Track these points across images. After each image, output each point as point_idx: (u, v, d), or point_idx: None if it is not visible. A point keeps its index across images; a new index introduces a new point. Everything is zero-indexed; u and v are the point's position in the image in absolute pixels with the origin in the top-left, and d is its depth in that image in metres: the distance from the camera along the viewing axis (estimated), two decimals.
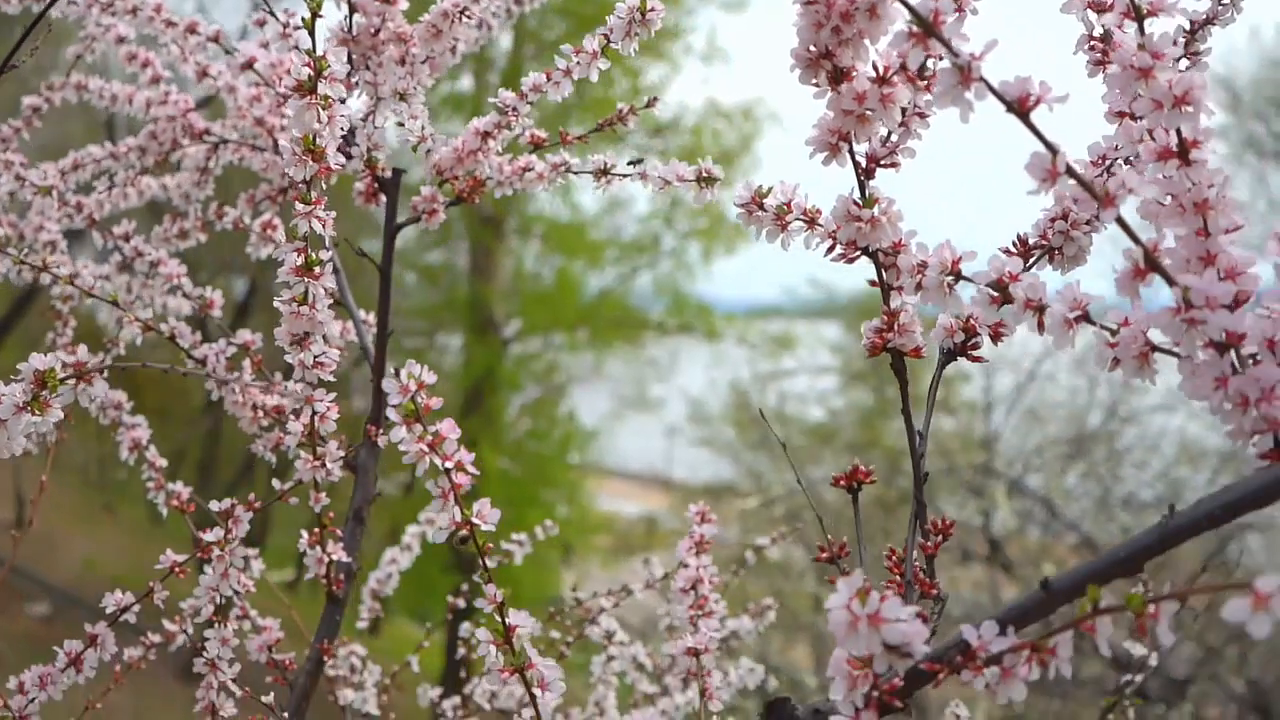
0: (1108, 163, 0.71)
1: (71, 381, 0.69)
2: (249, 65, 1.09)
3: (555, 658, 1.39)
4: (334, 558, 1.01)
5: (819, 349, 10.11)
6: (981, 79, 0.52)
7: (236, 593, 1.02)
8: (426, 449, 0.65)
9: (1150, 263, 0.54)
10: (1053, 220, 0.71)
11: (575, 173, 1.02)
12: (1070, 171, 0.53)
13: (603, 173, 1.00)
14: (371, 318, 1.18)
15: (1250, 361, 0.55)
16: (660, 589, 1.53)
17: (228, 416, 1.16)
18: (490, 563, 1.48)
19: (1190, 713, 5.52)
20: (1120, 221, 0.54)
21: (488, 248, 11.30)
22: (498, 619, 0.68)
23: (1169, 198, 0.57)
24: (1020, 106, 0.53)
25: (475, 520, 0.66)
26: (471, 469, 0.66)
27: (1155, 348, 0.57)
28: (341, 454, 0.94)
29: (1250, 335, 0.55)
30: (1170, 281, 0.54)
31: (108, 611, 0.95)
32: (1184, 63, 0.75)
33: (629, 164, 0.98)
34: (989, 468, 6.00)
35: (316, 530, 1.00)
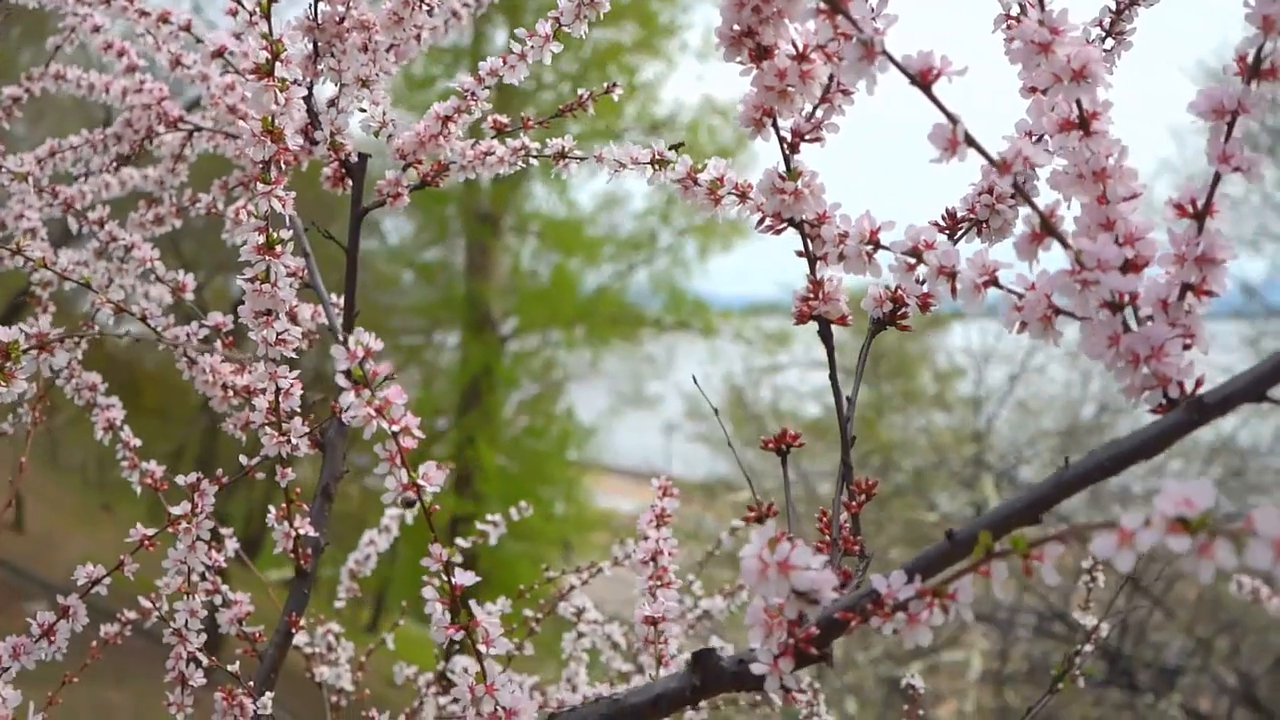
0: (1032, 138, 0.73)
1: (34, 352, 0.72)
2: (219, 54, 1.12)
3: (525, 634, 1.42)
4: (301, 532, 1.04)
5: (815, 345, 10.12)
6: (884, 53, 0.55)
7: (208, 566, 1.05)
8: (374, 413, 0.68)
9: (1047, 227, 0.57)
10: (979, 194, 0.74)
11: (535, 156, 1.05)
12: (970, 141, 0.56)
13: (560, 156, 1.03)
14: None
15: (1148, 322, 0.58)
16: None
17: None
18: (464, 542, 1.50)
19: (1179, 703, 5.55)
20: (1018, 188, 0.57)
21: (484, 245, 11.34)
22: (444, 578, 0.71)
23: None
24: (922, 79, 0.56)
25: (421, 482, 0.69)
26: (418, 433, 0.69)
27: (1058, 310, 0.60)
28: (306, 430, 0.97)
29: (1145, 296, 0.58)
30: (1065, 245, 0.57)
31: (79, 584, 0.97)
32: (1109, 42, 0.78)
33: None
34: (980, 460, 6.03)
35: (284, 505, 1.03)
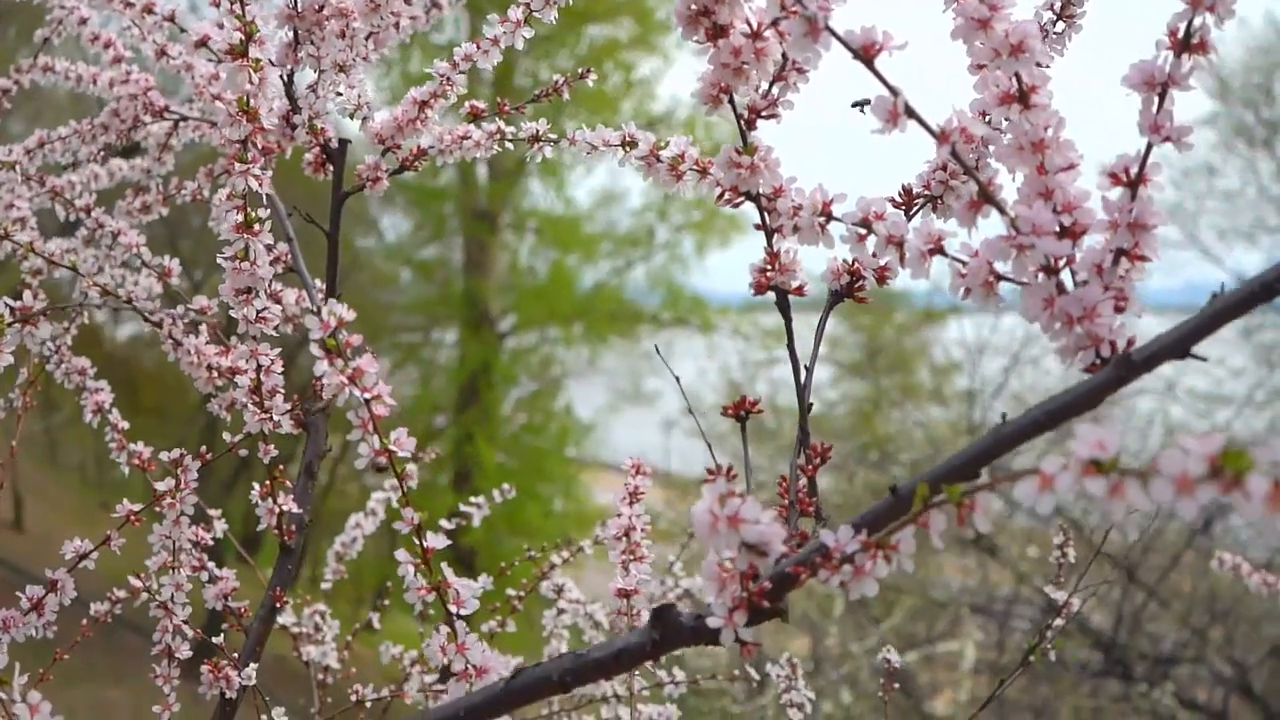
0: (984, 117, 0.76)
1: (18, 325, 0.75)
2: (203, 43, 1.14)
3: (508, 612, 1.44)
4: (285, 509, 1.06)
5: (812, 340, 10.16)
6: (828, 29, 0.57)
7: (194, 543, 1.07)
8: (347, 381, 0.70)
9: (984, 195, 0.59)
10: (934, 170, 0.76)
11: (510, 140, 1.07)
12: (910, 112, 0.58)
13: (535, 139, 1.05)
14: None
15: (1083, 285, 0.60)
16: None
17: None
18: (448, 524, 1.52)
19: (1173, 692, 5.58)
20: (956, 157, 0.59)
21: (482, 243, 11.38)
22: (415, 542, 0.73)
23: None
24: (866, 54, 0.58)
25: (393, 448, 0.72)
26: (390, 400, 0.71)
27: (1000, 276, 0.62)
28: (287, 407, 0.99)
29: (1081, 261, 0.60)
30: (1002, 211, 0.59)
31: (66, 557, 1.00)
32: (1060, 25, 0.80)
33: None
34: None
35: (268, 482, 1.05)
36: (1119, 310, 0.59)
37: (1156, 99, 0.59)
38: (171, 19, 1.19)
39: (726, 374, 10.24)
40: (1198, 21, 0.59)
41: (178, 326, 1.11)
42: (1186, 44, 0.59)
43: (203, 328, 1.12)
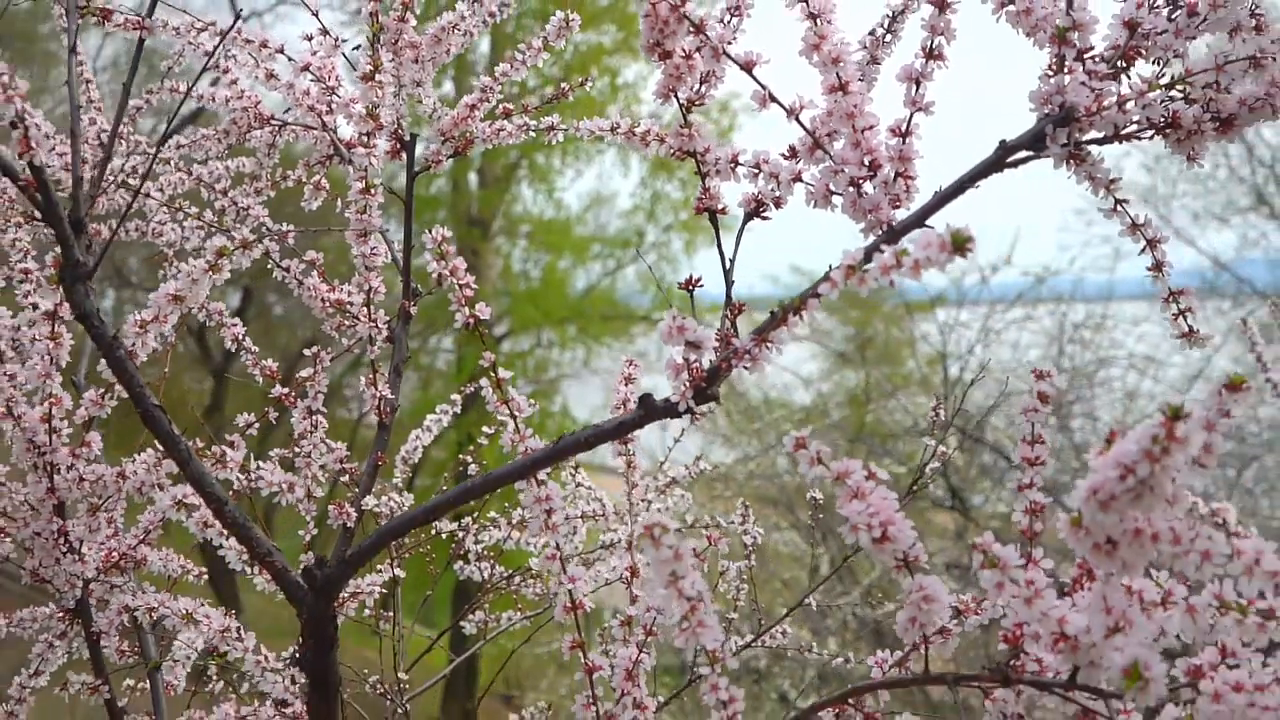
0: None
1: (240, 250, 1.19)
2: (306, 68, 1.59)
3: None
4: (383, 394, 1.51)
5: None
6: (725, 53, 1.02)
7: (314, 426, 1.52)
8: (448, 273, 1.15)
9: (816, 143, 1.04)
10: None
11: (535, 130, 1.52)
12: (772, 98, 1.03)
13: (552, 129, 1.50)
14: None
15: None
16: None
17: (229, 425, 1.61)
18: (496, 397, 1.96)
19: None
20: (799, 122, 1.04)
21: (475, 249, 11.80)
22: (493, 374, 1.18)
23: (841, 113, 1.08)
24: (747, 66, 1.03)
25: (477, 313, 1.16)
26: (474, 285, 1.16)
27: (831, 191, 1.07)
28: (388, 318, 1.44)
29: (876, 180, 1.05)
30: (827, 153, 1.04)
31: (240, 426, 1.44)
32: (888, 36, 1.26)
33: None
34: (947, 421, 6.53)
35: (370, 375, 1.50)
36: (895, 206, 1.04)
37: (914, 85, 1.04)
38: (281, 51, 1.63)
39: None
40: (936, 41, 1.04)
41: (295, 272, 1.56)
42: (930, 54, 1.04)
43: (314, 272, 1.57)
